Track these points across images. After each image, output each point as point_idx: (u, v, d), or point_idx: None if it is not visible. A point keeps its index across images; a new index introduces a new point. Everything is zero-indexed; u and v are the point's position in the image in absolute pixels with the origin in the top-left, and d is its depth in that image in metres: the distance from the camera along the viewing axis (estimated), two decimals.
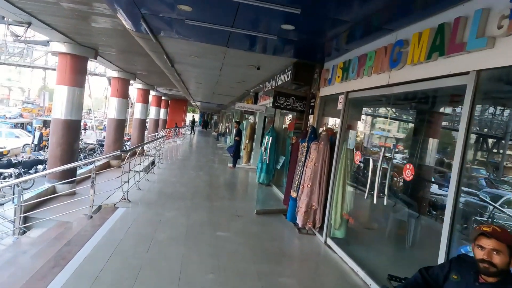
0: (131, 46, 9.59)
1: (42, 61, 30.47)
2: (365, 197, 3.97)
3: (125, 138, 26.06)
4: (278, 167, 8.64)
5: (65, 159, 10.69)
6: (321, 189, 4.98)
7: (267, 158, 8.67)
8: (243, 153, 12.21)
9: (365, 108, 5.56)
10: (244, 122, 15.22)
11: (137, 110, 23.17)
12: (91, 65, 29.25)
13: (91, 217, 5.12)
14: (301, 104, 6.23)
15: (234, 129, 11.88)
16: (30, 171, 11.73)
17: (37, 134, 18.69)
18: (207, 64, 7.71)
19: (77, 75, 10.70)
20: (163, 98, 32.61)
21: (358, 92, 4.44)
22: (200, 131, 38.63)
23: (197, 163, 11.75)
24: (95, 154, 17.13)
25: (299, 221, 5.14)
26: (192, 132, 31.50)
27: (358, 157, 4.28)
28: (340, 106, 4.91)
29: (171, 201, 6.15)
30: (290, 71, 6.24)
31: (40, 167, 12.16)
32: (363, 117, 5.51)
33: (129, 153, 5.79)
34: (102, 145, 17.95)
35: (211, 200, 6.57)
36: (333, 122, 5.95)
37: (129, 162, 6.62)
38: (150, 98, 30.68)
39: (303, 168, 5.32)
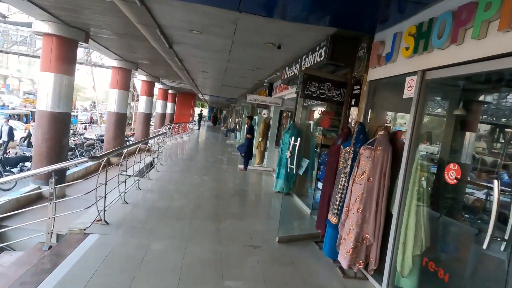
0: (127, 27, 8.06)
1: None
2: (465, 236, 2.35)
3: (129, 133, 24.83)
4: (301, 173, 7.03)
5: (52, 157, 9.29)
6: (378, 215, 3.37)
7: (285, 161, 7.05)
8: (255, 152, 10.63)
9: (453, 95, 3.83)
10: (255, 117, 13.63)
11: (141, 104, 21.80)
12: (97, 55, 28.07)
13: (50, 247, 3.64)
14: (339, 92, 4.59)
15: (245, 125, 10.32)
16: (12, 170, 10.38)
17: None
18: (213, 43, 6.11)
19: (65, 60, 9.23)
20: (170, 91, 31.20)
21: (448, 69, 2.80)
22: (209, 126, 37.17)
23: (202, 164, 10.22)
24: (94, 151, 15.78)
25: (344, 260, 3.55)
26: (199, 127, 30.08)
27: (454, 173, 2.63)
28: (409, 93, 3.27)
29: (164, 223, 4.61)
30: (324, 48, 4.61)
31: (28, 164, 10.82)
32: (455, 109, 3.79)
33: (104, 160, 4.26)
34: (102, 141, 16.58)
35: (218, 220, 5.02)
36: (391, 117, 4.31)
37: (122, 164, 5.14)
38: (156, 92, 29.51)
39: (348, 183, 3.71)
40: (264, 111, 11.02)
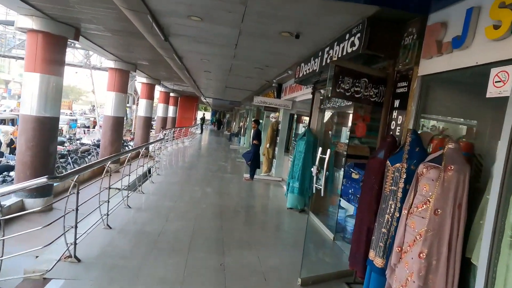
0: (120, 22, 7.18)
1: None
2: None
3: (128, 138, 23.95)
4: (320, 186, 6.02)
5: (37, 166, 8.37)
6: (452, 265, 2.36)
7: (299, 173, 6.08)
8: (262, 159, 9.64)
9: None
10: (261, 121, 12.64)
11: (141, 107, 20.90)
12: (97, 58, 27.26)
13: None
14: (377, 91, 3.60)
15: (251, 130, 9.35)
16: None
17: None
18: (217, 35, 5.16)
19: (52, 60, 8.32)
20: (171, 94, 30.35)
21: None
22: (212, 130, 36.26)
23: (204, 173, 9.24)
24: (89, 158, 14.85)
25: None
26: (202, 131, 29.17)
27: None
28: (498, 90, 2.27)
29: (154, 257, 3.62)
30: (358, 35, 3.62)
31: (12, 173, 9.89)
32: None
33: (75, 179, 3.28)
34: (99, 146, 15.66)
35: (222, 249, 4.02)
36: (444, 124, 3.32)
37: (108, 176, 4.18)
38: (158, 95, 28.65)
39: (400, 214, 2.71)
40: (272, 115, 10.07)
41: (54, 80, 8.46)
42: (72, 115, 37.76)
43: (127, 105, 32.75)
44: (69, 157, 12.51)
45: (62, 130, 27.18)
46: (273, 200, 7.24)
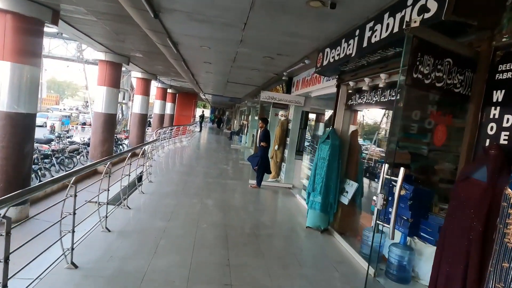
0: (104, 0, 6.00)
1: None
2: None
3: (122, 136, 22.73)
4: (346, 201, 4.86)
5: (9, 170, 7.23)
6: None
7: (322, 185, 4.91)
8: (271, 162, 8.45)
9: None
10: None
11: (136, 104, 19.70)
12: (91, 52, 25.93)
13: None
14: (462, 78, 2.42)
15: (259, 130, 8.17)
16: None
17: None
18: (221, 8, 3.96)
19: (26, 46, 7.11)
20: (169, 91, 29.12)
21: None
22: (211, 128, 35.05)
23: (204, 180, 8.05)
24: (78, 157, 13.65)
25: None
26: (201, 129, 27.94)
27: None
28: None
29: None
30: None
31: None
32: None
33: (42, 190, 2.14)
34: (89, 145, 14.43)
35: None
36: None
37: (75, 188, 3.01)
38: (155, 91, 27.41)
39: None
40: (281, 112, 8.89)
41: (29, 70, 7.25)
42: (65, 110, 36.51)
43: (123, 101, 31.57)
44: (53, 158, 11.29)
45: (54, 127, 25.96)
46: (287, 215, 6.06)
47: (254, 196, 7.06)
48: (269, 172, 8.04)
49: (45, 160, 11.01)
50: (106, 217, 4.18)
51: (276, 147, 8.55)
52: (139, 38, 9.41)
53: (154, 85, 26.28)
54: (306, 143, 8.03)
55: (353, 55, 3.86)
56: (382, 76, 3.92)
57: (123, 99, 32.51)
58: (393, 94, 3.85)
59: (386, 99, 4.03)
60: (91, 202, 4.48)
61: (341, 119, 5.26)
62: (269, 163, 8.01)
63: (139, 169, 6.94)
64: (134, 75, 19.29)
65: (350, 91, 5.02)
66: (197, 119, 34.01)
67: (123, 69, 25.33)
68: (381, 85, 3.97)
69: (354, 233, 4.95)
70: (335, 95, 5.30)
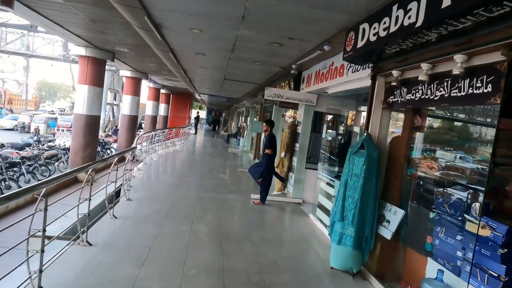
0: None
1: (18, 45, 25.80)
2: None
3: (111, 139, 21.29)
4: (388, 235, 3.51)
5: None
6: None
7: (356, 211, 3.58)
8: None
9: None
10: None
11: (125, 104, 18.29)
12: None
13: None
14: None
15: (263, 134, 6.80)
16: None
17: None
18: None
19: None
20: (162, 91, 27.73)
21: None
22: (207, 130, 33.62)
23: (196, 194, 6.67)
24: (57, 164, 12.18)
25: None
26: (196, 131, 26.50)
27: None
28: None
29: None
30: None
31: None
32: None
33: None
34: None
35: None
36: None
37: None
38: (147, 92, 25.99)
39: None
40: (288, 113, 7.57)
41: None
42: (53, 113, 34.88)
43: (115, 102, 30.10)
44: (22, 166, 9.83)
45: (39, 130, 24.39)
46: (303, 246, 4.69)
47: (258, 218, 5.70)
48: (284, 180, 6.69)
49: (14, 169, 9.56)
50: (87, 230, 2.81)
51: (283, 154, 7.20)
52: (121, 29, 8.06)
53: (146, 85, 24.93)
54: (324, 151, 6.71)
55: (418, 25, 2.53)
56: (459, 57, 2.60)
57: (115, 99, 31.08)
58: (479, 84, 2.52)
59: (463, 93, 2.70)
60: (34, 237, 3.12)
61: (378, 122, 3.93)
62: (276, 174, 6.66)
63: (118, 182, 5.57)
64: (122, 74, 17.89)
65: (392, 84, 3.69)
66: (192, 120, 32.57)
67: (113, 68, 23.99)
68: (456, 72, 2.63)
69: (398, 278, 3.61)
70: (369, 90, 3.98)
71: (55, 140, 16.66)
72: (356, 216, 3.63)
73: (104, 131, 27.53)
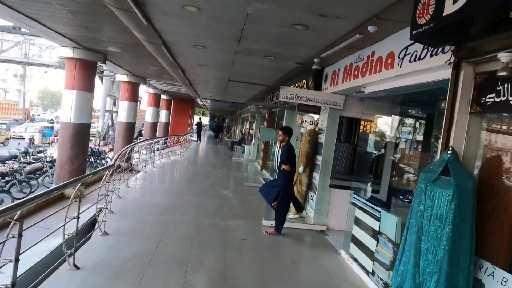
0: None
1: (16, 53, 24.88)
2: None
3: (106, 149, 20.06)
4: None
5: None
6: None
7: (442, 275, 2.21)
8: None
9: None
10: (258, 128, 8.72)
11: (121, 111, 17.04)
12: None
13: None
14: None
15: (278, 145, 5.44)
16: None
17: None
18: None
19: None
20: (163, 97, 26.56)
21: None
22: (210, 137, 32.32)
23: (194, 221, 5.31)
24: (41, 180, 10.88)
25: None
26: (199, 138, 25.22)
27: None
28: None
29: None
30: None
31: None
32: None
33: None
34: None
35: None
36: None
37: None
38: (147, 98, 24.83)
39: None
40: (308, 119, 6.24)
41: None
42: (52, 122, 33.77)
43: (114, 109, 28.97)
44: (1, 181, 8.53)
45: (34, 139, 23.20)
46: None
47: (274, 257, 4.33)
48: (301, 210, 5.31)
49: None
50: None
51: (301, 168, 5.85)
52: (107, 22, 6.80)
53: (147, 91, 23.78)
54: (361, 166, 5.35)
55: None
56: None
57: (114, 106, 29.95)
58: None
59: None
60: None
61: (464, 133, 2.58)
62: (292, 195, 5.28)
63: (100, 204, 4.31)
64: (118, 79, 16.71)
65: (489, 75, 2.35)
66: (194, 128, 31.26)
67: (112, 73, 22.88)
68: None
69: None
70: (450, 85, 2.63)
71: (45, 151, 15.37)
72: (442, 282, 2.27)
73: (103, 139, 26.39)
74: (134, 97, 16.96)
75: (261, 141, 11.93)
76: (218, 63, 7.23)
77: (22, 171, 10.04)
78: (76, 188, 3.15)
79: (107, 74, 25.49)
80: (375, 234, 3.73)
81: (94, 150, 16.97)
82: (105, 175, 4.44)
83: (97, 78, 27.09)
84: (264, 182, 6.76)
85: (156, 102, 24.39)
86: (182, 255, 3.86)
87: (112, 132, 26.95)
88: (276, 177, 5.16)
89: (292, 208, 5.77)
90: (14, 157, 12.62)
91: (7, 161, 11.38)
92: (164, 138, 14.56)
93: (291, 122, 8.55)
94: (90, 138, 25.88)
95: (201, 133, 27.27)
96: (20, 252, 2.41)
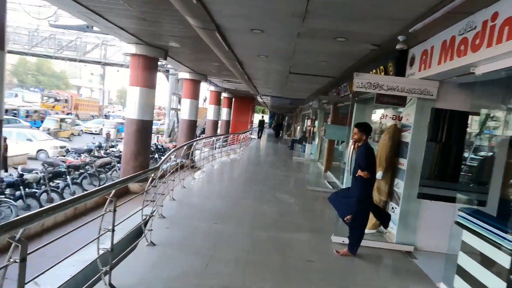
0: None
1: (96, 54, 27.08)
2: None
3: (171, 146, 20.64)
4: None
5: None
6: None
7: None
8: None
9: None
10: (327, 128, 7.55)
11: (184, 109, 17.31)
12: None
13: None
14: None
15: (351, 146, 4.45)
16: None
17: None
18: None
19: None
20: (224, 95, 26.78)
21: None
22: (270, 135, 31.81)
23: (250, 233, 4.60)
24: (110, 173, 11.33)
25: None
26: (260, 136, 24.85)
27: None
28: None
29: None
30: None
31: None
32: None
33: None
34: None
35: None
36: None
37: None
38: (208, 95, 25.24)
39: None
40: (388, 114, 5.13)
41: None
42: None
43: (179, 107, 30.12)
44: (68, 177, 8.91)
45: (110, 134, 25.09)
46: None
47: (348, 287, 3.41)
48: (386, 226, 4.28)
49: (58, 180, 8.70)
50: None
51: (379, 174, 4.76)
52: (161, 11, 6.50)
53: (208, 89, 24.14)
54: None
55: None
56: None
57: (179, 104, 31.18)
58: None
59: None
60: None
61: None
62: (377, 209, 4.24)
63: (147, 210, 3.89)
64: (181, 76, 16.98)
65: None
66: (255, 125, 30.97)
67: (176, 72, 23.62)
68: None
69: None
70: None
71: (117, 145, 16.28)
72: None
73: (169, 136, 27.55)
74: (195, 95, 17.08)
75: (326, 140, 10.86)
76: (278, 53, 6.44)
77: (93, 164, 10.48)
78: (110, 196, 2.63)
79: (172, 73, 26.52)
80: (504, 274, 2.59)
81: (158, 146, 17.51)
82: (150, 179, 3.95)
83: (163, 77, 28.54)
84: (334, 189, 5.79)
85: (217, 100, 24.63)
86: (234, 282, 3.16)
87: (177, 129, 28.00)
88: (350, 185, 4.18)
89: (370, 220, 4.74)
90: (89, 151, 13.45)
91: (84, 154, 12.11)
92: (224, 136, 14.25)
93: (362, 118, 7.40)
94: (157, 135, 27.32)
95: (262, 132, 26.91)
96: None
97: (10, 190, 7.32)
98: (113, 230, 2.74)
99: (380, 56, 5.51)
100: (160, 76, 27.54)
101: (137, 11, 6.57)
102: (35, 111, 26.92)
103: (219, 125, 27.35)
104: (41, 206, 7.50)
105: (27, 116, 24.91)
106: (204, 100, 33.91)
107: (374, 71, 5.95)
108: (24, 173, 7.77)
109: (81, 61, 26.32)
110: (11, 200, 6.87)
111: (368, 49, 5.24)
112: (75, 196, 2.41)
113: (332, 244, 4.31)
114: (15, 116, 23.96)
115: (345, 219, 4.00)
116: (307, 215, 5.77)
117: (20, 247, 1.73)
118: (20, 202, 7.22)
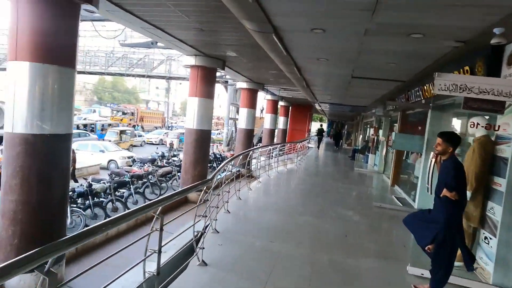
0: None
1: (162, 69, 28.95)
2: None
3: (228, 154, 20.87)
4: None
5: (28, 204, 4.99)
6: None
7: None
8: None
9: None
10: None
11: (241, 118, 17.40)
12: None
13: None
14: None
15: (432, 159, 3.73)
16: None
17: None
18: None
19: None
20: (281, 103, 26.57)
21: None
22: (328, 143, 30.63)
23: (310, 257, 4.09)
24: (171, 182, 11.67)
25: None
26: (319, 145, 23.99)
27: None
28: None
29: None
30: None
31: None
32: None
33: None
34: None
35: None
36: None
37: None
38: (265, 104, 25.24)
39: None
40: (480, 122, 4.27)
41: None
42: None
43: (236, 117, 30.69)
44: (132, 186, 9.32)
45: (173, 144, 26.41)
46: None
47: None
48: (473, 262, 3.48)
49: (121, 190, 9.15)
50: None
51: (468, 194, 3.94)
52: (218, 20, 6.45)
53: (265, 98, 24.15)
54: None
55: None
56: None
57: (237, 114, 31.81)
58: None
59: None
60: None
61: None
62: (461, 237, 3.48)
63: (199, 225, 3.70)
64: (239, 86, 17.14)
65: None
66: (313, 133, 30.06)
67: (234, 82, 24.06)
68: None
69: None
70: None
71: (179, 155, 16.96)
72: None
73: (227, 145, 28.13)
74: (252, 104, 17.08)
75: (392, 150, 9.87)
76: (341, 55, 5.91)
77: (155, 174, 10.89)
78: (157, 213, 2.40)
79: (230, 83, 27.18)
80: None
81: (217, 155, 17.81)
82: (202, 193, 3.73)
83: (222, 88, 29.37)
84: (403, 206, 5.01)
85: (274, 108, 24.49)
86: None
87: (235, 138, 28.50)
88: (432, 207, 3.47)
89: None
90: (153, 161, 14.14)
91: (147, 164, 12.74)
92: (280, 145, 13.89)
93: (439, 127, 6.47)
94: (216, 144, 28.08)
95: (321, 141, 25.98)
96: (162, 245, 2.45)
97: (81, 199, 7.85)
98: (159, 252, 2.51)
99: (463, 55, 4.70)
100: (219, 87, 28.50)
101: (194, 21, 6.61)
102: (109, 124, 29.58)
103: (275, 133, 27.13)
104: (106, 215, 7.89)
105: (102, 130, 27.41)
106: (261, 111, 34.13)
107: (455, 72, 5.10)
108: (93, 183, 8.30)
109: (148, 76, 28.36)
110: (81, 210, 7.33)
111: (449, 46, 4.47)
112: (118, 215, 2.21)
113: (409, 276, 3.63)
114: (93, 130, 26.64)
115: (425, 249, 3.31)
116: (375, 237, 5.07)
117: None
118: (88, 211, 7.70)
